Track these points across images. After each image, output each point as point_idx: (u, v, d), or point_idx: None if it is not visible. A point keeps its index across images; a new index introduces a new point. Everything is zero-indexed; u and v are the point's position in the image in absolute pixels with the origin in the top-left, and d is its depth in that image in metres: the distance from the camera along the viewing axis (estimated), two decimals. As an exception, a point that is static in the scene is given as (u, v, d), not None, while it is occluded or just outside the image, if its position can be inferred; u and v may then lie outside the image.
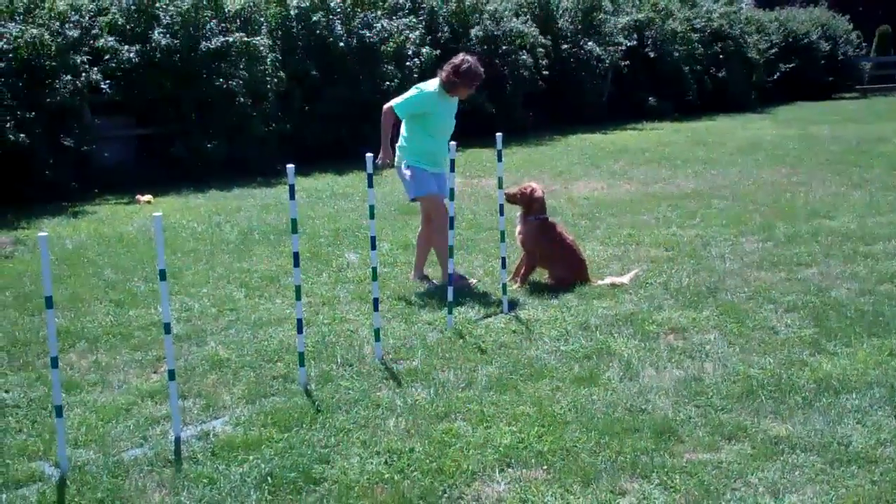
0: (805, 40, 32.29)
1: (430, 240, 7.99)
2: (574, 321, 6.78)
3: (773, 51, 30.50)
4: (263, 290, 7.90)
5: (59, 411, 4.59)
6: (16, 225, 11.00)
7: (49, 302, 4.57)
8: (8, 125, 11.94)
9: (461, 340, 6.42)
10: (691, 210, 11.12)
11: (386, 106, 7.69)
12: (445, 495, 4.27)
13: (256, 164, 15.07)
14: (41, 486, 4.48)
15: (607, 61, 23.57)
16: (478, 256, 8.92)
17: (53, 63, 12.82)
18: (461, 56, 7.67)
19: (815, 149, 17.21)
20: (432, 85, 7.67)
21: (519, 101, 21.29)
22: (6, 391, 5.71)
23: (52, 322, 4.63)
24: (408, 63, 17.85)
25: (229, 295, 7.74)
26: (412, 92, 7.67)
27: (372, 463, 4.59)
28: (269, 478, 4.44)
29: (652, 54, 25.35)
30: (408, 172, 7.78)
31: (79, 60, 13.31)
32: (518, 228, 7.93)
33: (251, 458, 4.67)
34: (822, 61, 33.00)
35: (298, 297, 5.74)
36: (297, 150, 15.52)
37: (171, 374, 4.94)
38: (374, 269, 6.28)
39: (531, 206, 7.87)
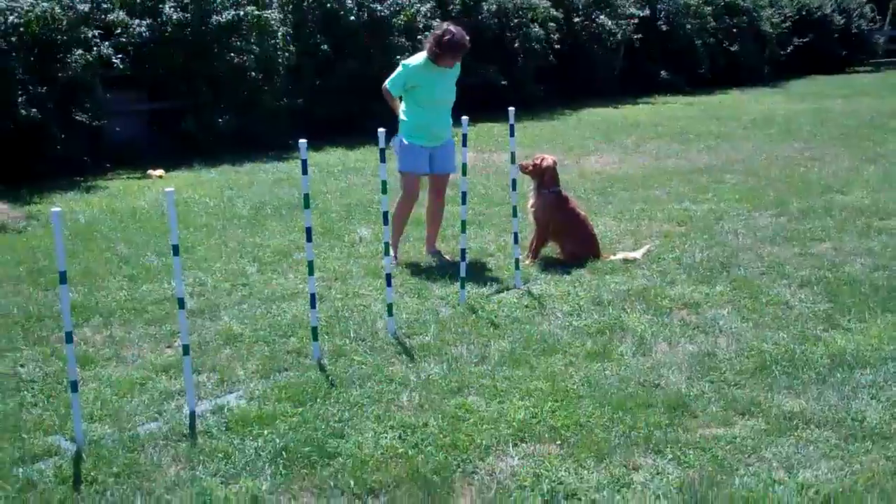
0: (818, 14, 31.97)
1: (437, 214, 8.13)
2: (587, 296, 6.77)
3: (787, 24, 30.23)
4: (276, 264, 7.91)
5: (74, 386, 4.61)
6: (28, 200, 11.01)
7: (63, 277, 4.57)
8: (20, 100, 11.93)
9: (474, 315, 6.43)
10: (704, 185, 11.08)
11: (383, 86, 7.85)
12: (459, 470, 4.28)
13: (268, 139, 15.04)
14: (57, 460, 4.51)
15: (619, 35, 23.40)
16: (490, 231, 8.90)
17: (65, 37, 12.77)
18: (444, 26, 7.68)
19: (829, 123, 17.11)
20: (418, 58, 7.73)
21: (530, 74, 21.18)
22: (21, 366, 5.73)
23: (66, 297, 4.64)
24: (419, 37, 17.73)
25: (242, 269, 7.75)
26: (398, 69, 7.75)
27: (386, 437, 4.60)
28: (283, 452, 4.46)
29: (664, 27, 25.17)
30: (400, 146, 7.89)
31: (90, 35, 13.27)
32: (531, 201, 7.91)
33: (265, 432, 4.69)
34: (836, 35, 32.69)
35: (311, 273, 5.74)
36: (308, 124, 15.49)
37: (186, 349, 4.95)
38: (387, 245, 6.28)
39: (543, 176, 7.84)
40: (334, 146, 15.10)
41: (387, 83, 7.78)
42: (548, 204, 7.78)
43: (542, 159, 7.89)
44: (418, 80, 7.67)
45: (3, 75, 11.87)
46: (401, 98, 7.86)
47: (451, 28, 7.60)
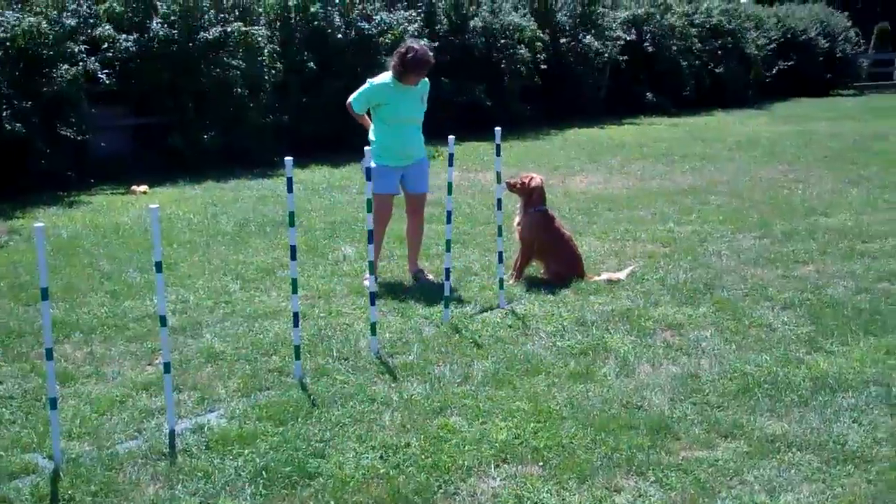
0: (804, 37, 32.28)
1: (416, 234, 8.08)
2: (570, 316, 6.76)
3: (772, 47, 30.49)
4: (259, 282, 7.88)
5: (53, 403, 4.57)
6: (11, 214, 10.96)
7: (44, 293, 4.54)
8: (5, 114, 11.89)
9: (457, 335, 6.41)
10: (688, 206, 11.11)
11: (348, 101, 7.79)
12: (441, 491, 4.25)
13: (253, 156, 15.03)
14: (35, 478, 4.46)
15: (605, 56, 23.52)
16: (474, 251, 8.90)
17: (51, 52, 12.76)
18: (408, 44, 7.68)
19: (813, 145, 17.21)
20: (384, 77, 7.69)
21: (516, 94, 21.27)
22: (0, 382, 5.68)
23: (48, 314, 4.60)
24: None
25: (225, 287, 7.71)
26: (364, 86, 7.72)
27: (367, 458, 4.57)
28: (263, 472, 4.42)
29: (650, 49, 25.32)
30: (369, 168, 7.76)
31: (76, 49, 13.26)
32: (517, 220, 7.91)
33: (246, 451, 4.65)
34: (821, 58, 32.99)
35: (295, 291, 5.72)
36: (293, 141, 15.50)
37: (167, 367, 4.92)
38: (371, 263, 6.27)
39: (531, 195, 7.84)
40: (320, 164, 15.09)
41: (350, 99, 7.75)
42: (534, 223, 7.79)
43: (531, 178, 7.90)
44: (383, 99, 7.63)
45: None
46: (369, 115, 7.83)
47: (415, 45, 7.59)
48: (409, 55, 7.46)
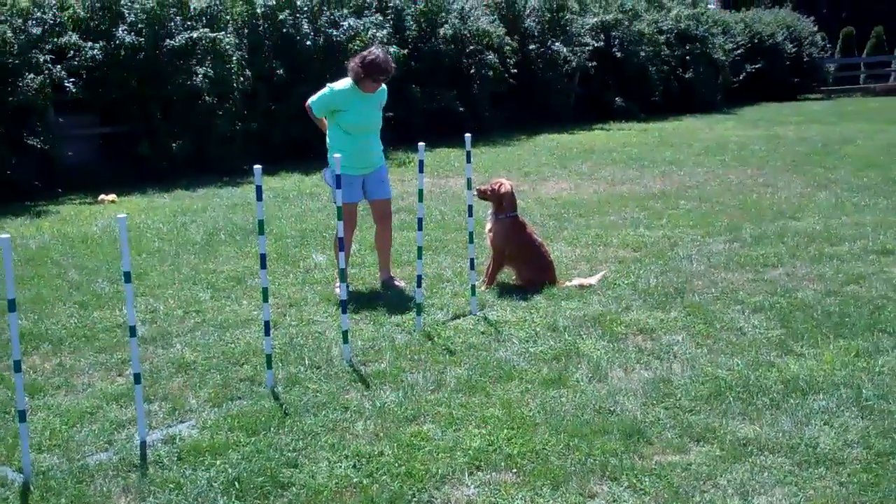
0: (770, 41, 32.54)
1: (385, 241, 8.01)
2: (543, 322, 6.77)
3: (739, 52, 30.69)
4: (230, 291, 7.83)
5: (22, 416, 4.51)
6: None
7: (12, 305, 4.48)
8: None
9: (430, 342, 6.40)
10: (658, 211, 11.16)
11: (307, 103, 7.77)
12: (415, 499, 4.24)
13: (222, 164, 14.97)
14: (3, 491, 4.40)
15: (574, 62, 23.59)
16: (446, 257, 8.88)
17: (16, 61, 12.65)
18: (368, 49, 7.60)
19: (781, 150, 17.34)
20: (344, 82, 7.60)
21: (486, 101, 21.29)
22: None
23: (16, 325, 4.54)
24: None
25: (195, 296, 7.66)
26: (324, 90, 7.65)
27: (340, 467, 4.55)
28: (236, 482, 4.39)
29: (619, 55, 25.41)
30: (331, 177, 7.47)
31: (42, 58, 13.14)
32: (488, 226, 7.91)
33: (218, 462, 4.62)
34: (788, 62, 33.26)
35: (266, 299, 5.68)
36: (263, 149, 15.44)
37: (137, 378, 4.87)
38: (343, 271, 6.26)
39: (501, 202, 7.83)
40: (290, 171, 15.04)
41: (310, 101, 7.70)
42: (505, 229, 7.79)
43: (500, 184, 7.89)
44: (342, 105, 7.54)
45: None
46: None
47: (375, 50, 7.52)
48: (370, 58, 7.39)
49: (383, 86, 7.66)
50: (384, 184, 7.93)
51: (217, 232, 10.21)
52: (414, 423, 5.06)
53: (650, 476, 4.40)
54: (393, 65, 7.59)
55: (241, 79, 15.62)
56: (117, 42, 14.09)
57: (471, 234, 7.20)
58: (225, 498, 4.27)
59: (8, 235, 4.46)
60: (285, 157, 15.70)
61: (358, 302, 7.36)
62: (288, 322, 6.94)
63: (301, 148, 16.20)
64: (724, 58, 29.55)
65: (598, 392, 5.43)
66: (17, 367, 4.51)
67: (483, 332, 6.60)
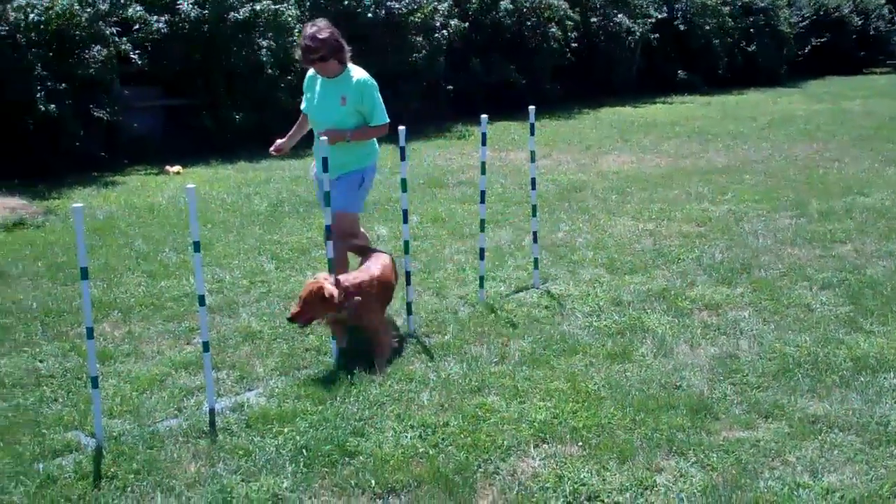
0: (836, 14, 31.84)
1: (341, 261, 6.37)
2: (606, 296, 6.73)
3: (804, 24, 30.10)
4: (294, 262, 7.90)
5: (94, 382, 4.60)
6: (46, 195, 11.04)
7: (84, 273, 4.56)
8: (39, 96, 11.95)
9: (493, 315, 6.39)
10: (723, 185, 11.01)
11: None
12: (480, 470, 4.25)
13: (282, 136, 15.01)
14: (77, 455, 4.50)
15: (637, 34, 23.32)
16: (508, 230, 8.86)
17: (83, 34, 12.81)
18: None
19: (848, 124, 17.00)
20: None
21: (547, 74, 21.18)
22: (40, 361, 5.74)
23: (88, 293, 4.62)
24: (436, 35, 17.73)
25: (260, 267, 7.74)
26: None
27: (406, 437, 4.57)
28: (304, 450, 4.43)
29: (682, 27, 25.08)
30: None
31: (108, 31, 13.30)
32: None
33: (286, 430, 4.67)
34: (854, 35, 32.55)
35: (331, 270, 5.72)
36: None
37: (206, 346, 4.94)
38: (407, 243, 6.27)
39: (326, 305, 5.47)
40: (351, 144, 15.06)
41: None
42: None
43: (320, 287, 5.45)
44: (306, 89, 6.41)
45: (23, 72, 11.91)
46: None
47: (307, 25, 6.22)
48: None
49: (355, 78, 6.18)
50: (338, 191, 6.15)
51: (281, 203, 10.29)
52: (478, 394, 5.07)
53: (718, 452, 4.36)
54: (309, 42, 6.02)
55: (303, 51, 15.65)
56: (181, 15, 14.20)
57: (534, 206, 7.17)
58: (293, 465, 4.32)
59: (80, 205, 4.53)
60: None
61: (421, 274, 7.38)
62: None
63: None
64: (788, 31, 29.02)
65: (664, 367, 5.39)
66: (90, 333, 4.59)
67: (546, 306, 6.58)
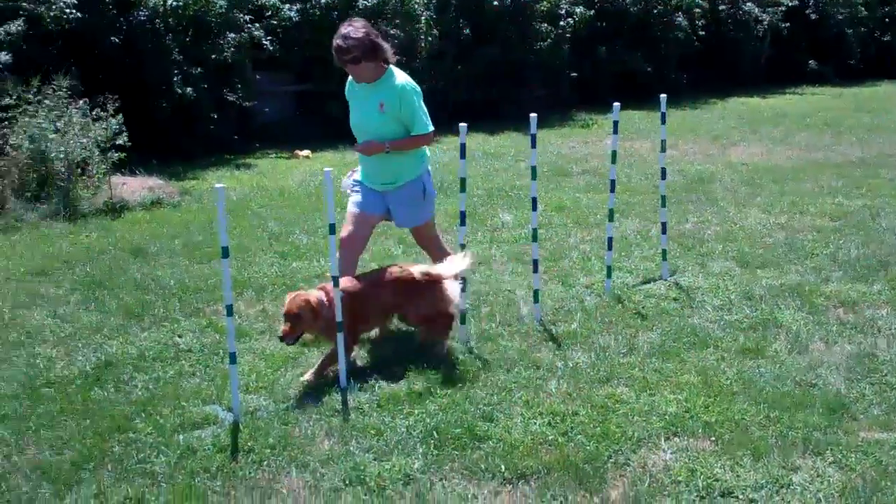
0: (981, 2, 30.37)
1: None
2: (737, 290, 6.60)
3: (946, 13, 28.81)
4: (418, 246, 7.95)
5: (232, 358, 4.74)
6: (182, 176, 11.40)
7: (225, 252, 4.71)
8: (176, 79, 12.35)
9: (620, 305, 6.34)
10: (857, 179, 10.67)
11: None
12: (611, 461, 4.23)
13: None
14: (216, 428, 4.65)
15: (766, 23, 22.73)
16: (634, 220, 8.77)
17: (218, 20, 13.17)
18: None
19: None
20: None
21: (673, 62, 20.86)
22: (179, 336, 5.95)
23: (228, 272, 4.77)
24: (561, 23, 17.63)
25: (387, 250, 7.85)
26: None
27: (535, 423, 4.58)
28: (434, 432, 4.49)
29: (813, 16, 24.32)
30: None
31: (242, 18, 13.64)
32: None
33: (416, 411, 4.73)
34: None
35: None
36: (447, 109, 15.55)
37: (339, 327, 5.04)
38: (535, 231, 6.25)
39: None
40: (474, 132, 15.09)
41: None
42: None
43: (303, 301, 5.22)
44: (349, 96, 5.88)
45: (161, 56, 12.32)
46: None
47: (342, 25, 5.71)
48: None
49: (397, 82, 5.64)
50: (405, 208, 5.88)
51: (405, 189, 10.38)
52: (607, 385, 5.04)
53: (856, 452, 4.24)
54: (341, 41, 5.53)
55: (429, 38, 15.77)
56: (313, 2, 14.47)
57: (663, 197, 7.09)
58: (424, 446, 4.38)
59: (222, 185, 4.68)
60: (468, 118, 15.72)
61: (546, 262, 7.36)
62: (477, 279, 7.01)
63: (485, 108, 16.28)
64: (928, 20, 27.81)
65: (798, 364, 5.27)
66: (230, 311, 4.74)
67: (675, 298, 6.49)
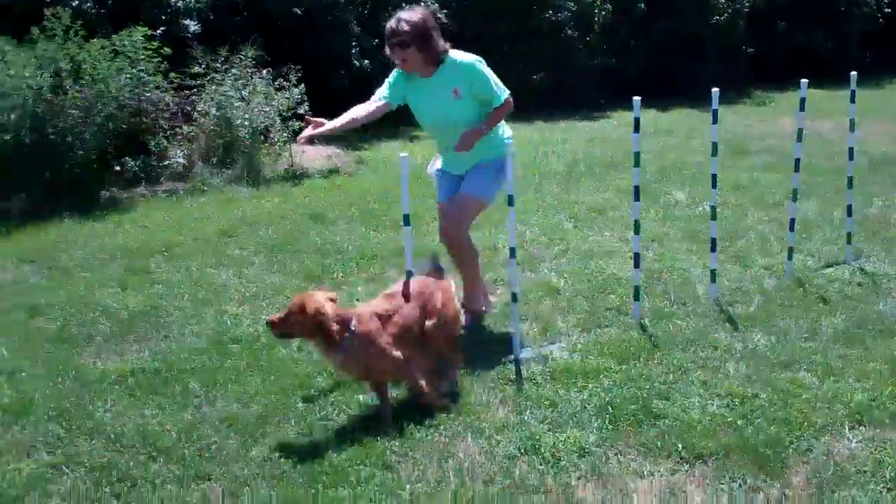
0: None
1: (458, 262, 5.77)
2: (928, 278, 6.30)
3: None
4: (591, 222, 7.95)
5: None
6: (358, 146, 11.67)
7: (406, 219, 4.85)
8: (354, 51, 12.62)
9: (801, 289, 6.15)
10: None
11: None
12: (793, 446, 4.12)
13: (578, 97, 15.07)
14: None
15: (960, -1, 21.43)
16: (814, 202, 8.46)
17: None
18: None
19: None
20: None
21: (855, 40, 19.94)
22: (357, 300, 6.11)
23: (410, 238, 4.90)
24: (737, -4, 17.14)
25: (558, 224, 7.84)
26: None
27: (713, 405, 4.51)
28: (609, 407, 4.47)
29: None
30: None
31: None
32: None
33: (590, 385, 4.73)
34: None
35: (637, 232, 5.72)
36: (619, 83, 15.37)
37: (514, 297, 5.09)
38: (713, 208, 6.12)
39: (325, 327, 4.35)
40: (646, 107, 14.81)
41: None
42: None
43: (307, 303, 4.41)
44: (406, 92, 5.43)
45: (340, 29, 12.61)
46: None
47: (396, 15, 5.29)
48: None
49: (459, 62, 5.27)
50: (476, 175, 5.55)
51: (577, 163, 10.36)
52: (788, 369, 4.91)
53: None
54: (394, 23, 5.17)
55: (602, 12, 15.59)
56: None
57: (849, 178, 6.81)
58: (598, 421, 4.37)
59: (406, 154, 4.78)
60: (640, 93, 15.47)
61: (723, 242, 7.19)
62: (650, 256, 6.93)
63: (658, 83, 15.97)
64: None
65: None
66: (408, 276, 4.83)
67: (860, 283, 6.24)
